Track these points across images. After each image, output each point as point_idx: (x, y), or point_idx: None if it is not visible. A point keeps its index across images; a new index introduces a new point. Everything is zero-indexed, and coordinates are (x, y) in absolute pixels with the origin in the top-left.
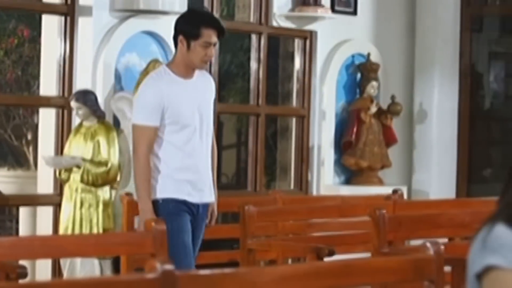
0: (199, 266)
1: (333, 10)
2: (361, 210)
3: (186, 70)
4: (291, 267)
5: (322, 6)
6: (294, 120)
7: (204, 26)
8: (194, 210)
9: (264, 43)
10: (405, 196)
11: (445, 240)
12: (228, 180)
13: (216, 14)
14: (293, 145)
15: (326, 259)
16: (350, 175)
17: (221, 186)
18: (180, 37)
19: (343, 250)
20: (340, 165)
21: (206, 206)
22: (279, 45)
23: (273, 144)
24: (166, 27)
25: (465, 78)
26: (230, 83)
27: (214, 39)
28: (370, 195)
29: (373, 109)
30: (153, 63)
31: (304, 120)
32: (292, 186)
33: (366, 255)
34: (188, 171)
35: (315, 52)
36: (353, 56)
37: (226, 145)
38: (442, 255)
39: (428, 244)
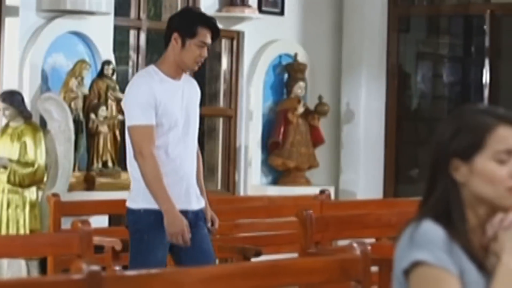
0: (125, 267)
1: (260, 10)
2: (288, 210)
3: (175, 71)
4: (218, 268)
5: (249, 6)
6: (221, 120)
7: (201, 25)
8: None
9: None
10: (332, 196)
11: (372, 240)
12: None
13: (143, 14)
14: (220, 146)
15: (253, 259)
16: (277, 176)
17: None
18: (175, 35)
19: (270, 250)
20: (267, 165)
21: (196, 213)
22: None
23: (200, 144)
24: (93, 28)
25: (392, 78)
26: None
27: (209, 40)
28: (297, 195)
29: (300, 109)
30: (80, 64)
31: (231, 120)
32: (219, 187)
33: (293, 255)
34: (173, 176)
35: (242, 52)
36: (280, 57)
37: None
38: (369, 255)
39: (355, 244)
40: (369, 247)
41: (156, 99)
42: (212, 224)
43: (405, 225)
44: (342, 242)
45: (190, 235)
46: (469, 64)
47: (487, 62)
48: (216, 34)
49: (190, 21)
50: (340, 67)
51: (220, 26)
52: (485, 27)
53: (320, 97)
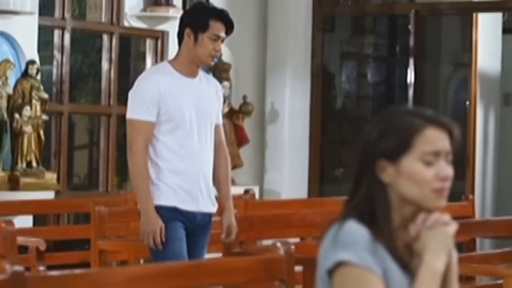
0: (49, 267)
1: (184, 10)
2: None
3: (190, 68)
4: (142, 268)
5: (174, 6)
6: None
7: (213, 18)
8: (190, 218)
9: (116, 43)
10: (257, 196)
11: (297, 239)
12: (80, 180)
13: (67, 14)
14: None
15: None
16: None
17: (73, 186)
18: (187, 30)
19: None
20: None
21: (207, 216)
22: (130, 45)
23: (124, 144)
24: (17, 27)
25: (317, 78)
26: (81, 83)
27: (223, 33)
28: None
29: (225, 109)
30: (4, 63)
31: None
32: None
33: (218, 255)
34: (181, 175)
35: (167, 52)
36: None
37: (78, 146)
38: (293, 255)
39: (279, 244)
40: (293, 247)
41: (161, 95)
42: (228, 235)
43: (329, 224)
44: (267, 242)
45: (164, 239)
46: (393, 63)
47: (411, 61)
48: (230, 26)
49: (202, 15)
50: (265, 67)
51: (144, 25)
52: (409, 27)
53: (244, 97)
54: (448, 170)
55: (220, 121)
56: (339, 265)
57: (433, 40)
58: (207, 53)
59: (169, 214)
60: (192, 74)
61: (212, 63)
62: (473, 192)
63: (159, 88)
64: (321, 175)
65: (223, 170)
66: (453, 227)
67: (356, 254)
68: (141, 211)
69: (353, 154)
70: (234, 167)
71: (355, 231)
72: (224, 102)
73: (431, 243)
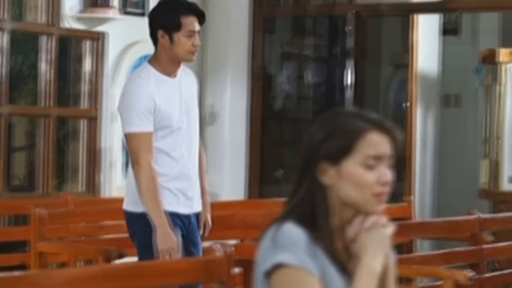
0: None
1: (123, 11)
2: None
3: (171, 67)
4: (81, 270)
5: (112, 7)
6: (84, 121)
7: (184, 14)
8: (185, 222)
9: (55, 45)
10: None
11: (237, 241)
12: (20, 182)
13: (6, 15)
14: (84, 147)
15: (116, 261)
16: None
17: (12, 188)
18: (160, 32)
19: (134, 252)
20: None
21: (196, 215)
22: (69, 47)
23: (63, 146)
24: None
25: (257, 79)
26: (21, 84)
27: (197, 26)
28: None
29: None
30: None
31: (94, 121)
32: (82, 188)
33: None
34: (178, 179)
35: (106, 53)
36: (143, 58)
37: (17, 147)
38: (232, 257)
39: (218, 246)
40: (232, 248)
41: (155, 103)
42: (204, 231)
43: (268, 226)
44: (207, 244)
45: (180, 254)
46: (333, 65)
47: (351, 63)
48: (202, 16)
49: (171, 14)
50: (205, 68)
51: (83, 27)
52: (349, 28)
53: None
54: (389, 175)
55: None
56: (277, 267)
57: (373, 41)
58: (186, 51)
59: (168, 220)
60: (174, 73)
61: (194, 58)
62: (412, 194)
63: (153, 97)
64: (261, 176)
65: (201, 165)
66: (390, 228)
67: (294, 256)
68: (157, 228)
69: (293, 155)
70: None
71: (294, 233)
72: None
73: (369, 244)
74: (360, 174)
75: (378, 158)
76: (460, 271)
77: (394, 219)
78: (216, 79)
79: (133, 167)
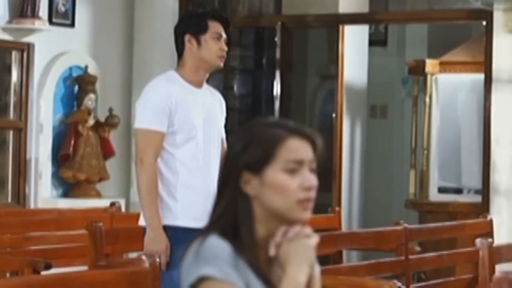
0: None
1: (50, 22)
2: (78, 223)
3: (197, 76)
4: (6, 282)
5: (40, 18)
6: (11, 132)
7: (210, 18)
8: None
9: None
10: (123, 209)
11: None
12: None
13: None
14: (11, 158)
15: (43, 272)
16: (68, 188)
17: None
18: (187, 36)
19: (61, 263)
20: (58, 178)
21: None
22: None
23: None
24: None
25: None
26: None
27: (223, 32)
28: (88, 208)
29: (91, 121)
30: None
31: (21, 133)
32: (9, 200)
33: (84, 268)
34: (194, 190)
35: (33, 64)
36: (70, 69)
37: None
38: (158, 268)
39: (144, 257)
40: (158, 260)
41: (173, 105)
42: None
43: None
44: (134, 255)
45: (169, 259)
46: (260, 76)
47: (278, 74)
48: (227, 23)
49: (197, 18)
50: (131, 79)
51: (10, 37)
52: (276, 39)
53: (110, 110)
54: (312, 180)
55: (224, 135)
56: (202, 280)
57: (299, 52)
58: (214, 54)
59: (181, 235)
60: (199, 83)
61: (222, 65)
62: (339, 204)
63: (171, 98)
64: None
65: None
66: (314, 239)
67: (218, 269)
68: (148, 228)
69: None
70: (100, 179)
71: (217, 245)
72: (89, 114)
73: (293, 255)
74: (283, 180)
75: (299, 163)
76: (387, 281)
77: (321, 230)
78: (142, 89)
79: (136, 164)
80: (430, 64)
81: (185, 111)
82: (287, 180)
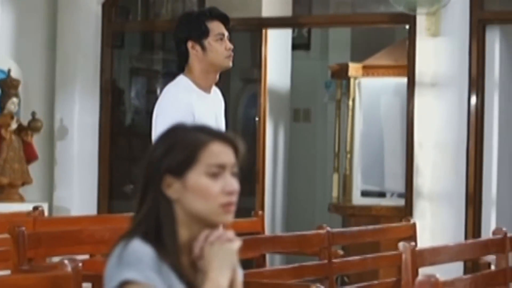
0: None
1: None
2: (1, 227)
3: (207, 80)
4: None
5: None
6: None
7: (208, 20)
8: None
9: None
10: (46, 213)
11: (87, 256)
12: None
13: None
14: None
15: None
16: None
17: None
18: (190, 43)
19: None
20: None
21: None
22: None
23: None
24: None
25: (106, 94)
26: None
27: (224, 30)
28: (10, 212)
29: (14, 125)
30: None
31: None
32: None
33: (7, 272)
34: None
35: None
36: None
37: None
38: (80, 272)
39: (66, 261)
40: (80, 264)
41: (194, 118)
42: None
43: (116, 242)
44: (57, 259)
45: None
46: None
47: None
48: (226, 20)
49: (196, 22)
50: (54, 83)
51: None
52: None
53: (33, 113)
54: (234, 184)
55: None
56: (124, 284)
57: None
58: (222, 56)
59: None
60: (210, 87)
61: (231, 64)
62: (262, 208)
63: (193, 111)
64: (110, 192)
65: None
66: (237, 243)
67: (140, 273)
68: None
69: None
70: (23, 183)
71: (140, 249)
72: (12, 118)
73: (215, 259)
74: (205, 184)
75: (221, 167)
76: (310, 285)
77: (244, 234)
78: (65, 94)
79: None
80: (353, 68)
81: (198, 120)
82: (209, 184)
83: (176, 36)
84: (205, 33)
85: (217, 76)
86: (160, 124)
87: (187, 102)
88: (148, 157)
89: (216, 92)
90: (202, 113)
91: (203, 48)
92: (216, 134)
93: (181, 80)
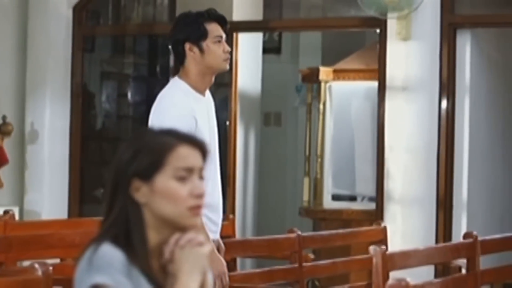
0: None
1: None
2: None
3: (203, 83)
4: None
5: None
6: None
7: (206, 22)
8: None
9: None
10: (17, 217)
11: (57, 260)
12: None
13: None
14: None
15: None
16: None
17: None
18: (188, 45)
19: None
20: None
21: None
22: None
23: None
24: None
25: (77, 98)
26: None
27: (222, 32)
28: None
29: None
30: None
31: None
32: None
33: None
34: (214, 206)
35: None
36: None
37: None
38: (51, 276)
39: (36, 265)
40: (51, 268)
41: (195, 122)
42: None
43: (86, 246)
44: (27, 263)
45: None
46: (154, 83)
47: None
48: (224, 23)
49: (193, 24)
50: (25, 87)
51: None
52: (169, 46)
53: (4, 117)
54: (202, 187)
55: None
56: None
57: None
58: (219, 58)
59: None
60: (205, 90)
61: (228, 67)
62: (233, 212)
63: (194, 115)
64: (81, 195)
65: None
66: (207, 247)
67: (110, 277)
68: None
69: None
70: None
71: (109, 254)
72: None
73: (185, 263)
74: (173, 187)
75: (189, 170)
76: None
77: None
78: (36, 97)
79: None
80: (324, 72)
81: (201, 128)
82: (177, 187)
83: (173, 38)
84: (204, 35)
85: (213, 79)
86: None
87: (187, 106)
88: (116, 161)
89: (208, 94)
90: (199, 116)
91: (201, 50)
92: (183, 138)
93: (177, 84)
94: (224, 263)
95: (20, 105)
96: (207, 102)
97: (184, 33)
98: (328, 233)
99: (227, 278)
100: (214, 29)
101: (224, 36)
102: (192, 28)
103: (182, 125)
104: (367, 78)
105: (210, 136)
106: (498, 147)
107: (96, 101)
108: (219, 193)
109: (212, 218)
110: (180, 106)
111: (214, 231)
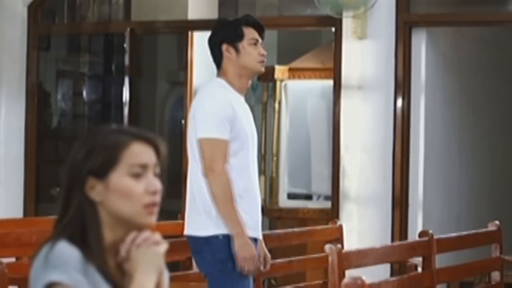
0: None
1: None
2: None
3: (241, 83)
4: None
5: None
6: None
7: (243, 25)
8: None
9: None
10: None
11: (13, 259)
12: None
13: None
14: None
15: None
16: None
17: None
18: (224, 46)
19: None
20: None
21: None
22: None
23: None
24: None
25: (32, 97)
26: None
27: (258, 36)
28: None
29: None
30: None
31: None
32: None
33: None
34: (251, 200)
35: None
36: None
37: None
38: (6, 275)
39: None
40: (6, 267)
41: (234, 113)
42: (265, 265)
43: (42, 244)
44: None
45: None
46: (109, 82)
47: (127, 80)
48: (261, 29)
49: (231, 26)
50: None
51: None
52: (125, 45)
53: None
54: (157, 184)
55: None
56: (50, 286)
57: (149, 58)
58: (255, 60)
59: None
60: (243, 90)
61: (263, 69)
62: None
63: (232, 106)
64: (37, 194)
65: None
66: (163, 246)
67: (67, 275)
68: (236, 237)
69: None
70: None
71: (66, 252)
72: None
73: (141, 262)
74: (128, 185)
75: (143, 167)
76: None
77: (171, 236)
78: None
79: (206, 176)
80: (279, 71)
81: (239, 119)
82: (132, 184)
83: (210, 40)
84: (240, 36)
85: (250, 82)
86: (199, 116)
87: (224, 96)
88: (70, 160)
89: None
90: (239, 110)
91: (237, 51)
92: (136, 135)
93: (216, 80)
94: (255, 250)
95: None
96: (245, 103)
97: (221, 35)
98: (284, 232)
99: (257, 263)
100: (250, 32)
101: (260, 40)
102: (229, 30)
103: (220, 111)
104: (323, 77)
105: (251, 129)
106: (453, 146)
107: (51, 100)
108: (258, 186)
109: (254, 212)
110: (218, 95)
111: (257, 229)
